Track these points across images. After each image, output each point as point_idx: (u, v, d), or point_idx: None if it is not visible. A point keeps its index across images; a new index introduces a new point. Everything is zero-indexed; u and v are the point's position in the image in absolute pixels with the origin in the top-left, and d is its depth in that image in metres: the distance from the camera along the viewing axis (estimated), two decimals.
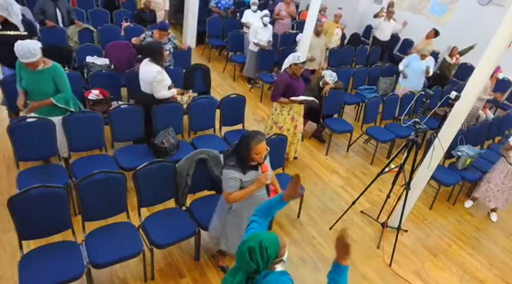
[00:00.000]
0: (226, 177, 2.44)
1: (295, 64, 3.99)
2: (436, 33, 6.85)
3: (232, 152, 2.51)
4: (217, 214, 2.81)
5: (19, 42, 2.93)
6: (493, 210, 4.59)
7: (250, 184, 2.46)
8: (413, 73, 5.80)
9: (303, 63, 4.02)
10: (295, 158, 4.77)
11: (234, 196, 2.44)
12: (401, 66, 5.93)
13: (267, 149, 2.43)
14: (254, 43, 6.16)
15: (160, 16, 6.74)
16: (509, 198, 4.37)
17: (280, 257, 1.69)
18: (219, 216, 2.77)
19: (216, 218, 2.82)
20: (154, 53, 3.71)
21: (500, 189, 4.34)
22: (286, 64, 4.11)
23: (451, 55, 6.45)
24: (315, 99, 4.27)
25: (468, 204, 4.72)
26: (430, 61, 5.82)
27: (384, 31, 7.83)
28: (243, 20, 6.87)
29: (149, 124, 3.80)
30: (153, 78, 3.63)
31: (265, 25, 6.16)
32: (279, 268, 1.73)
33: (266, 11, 6.29)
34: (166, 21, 4.89)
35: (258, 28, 6.15)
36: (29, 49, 2.92)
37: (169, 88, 3.86)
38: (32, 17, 5.48)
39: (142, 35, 4.66)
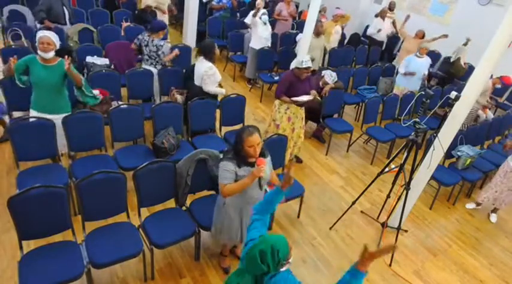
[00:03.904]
0: (221, 169, 2.52)
1: (298, 68, 4.01)
2: (424, 34, 6.77)
3: (231, 147, 2.63)
4: (214, 212, 2.86)
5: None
6: (493, 211, 4.58)
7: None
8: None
9: (306, 68, 3.98)
10: (298, 161, 4.79)
11: (228, 188, 2.48)
12: (402, 69, 5.86)
13: (260, 143, 2.46)
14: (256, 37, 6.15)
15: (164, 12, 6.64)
16: (507, 199, 4.33)
17: (289, 259, 1.72)
18: (215, 212, 2.84)
19: (214, 216, 2.87)
20: (207, 51, 4.05)
21: (499, 189, 4.32)
22: (292, 65, 4.21)
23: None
24: (316, 96, 4.20)
25: (470, 205, 4.70)
26: (426, 61, 5.81)
27: (382, 32, 7.80)
28: (247, 21, 6.75)
29: None
30: (204, 72, 4.00)
31: (264, 23, 6.16)
32: (284, 268, 1.75)
33: (264, 10, 6.27)
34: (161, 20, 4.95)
35: (260, 25, 6.16)
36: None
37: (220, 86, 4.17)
38: (31, 18, 5.48)
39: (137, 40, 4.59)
